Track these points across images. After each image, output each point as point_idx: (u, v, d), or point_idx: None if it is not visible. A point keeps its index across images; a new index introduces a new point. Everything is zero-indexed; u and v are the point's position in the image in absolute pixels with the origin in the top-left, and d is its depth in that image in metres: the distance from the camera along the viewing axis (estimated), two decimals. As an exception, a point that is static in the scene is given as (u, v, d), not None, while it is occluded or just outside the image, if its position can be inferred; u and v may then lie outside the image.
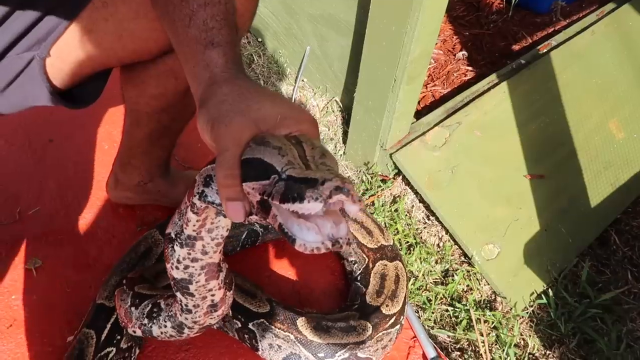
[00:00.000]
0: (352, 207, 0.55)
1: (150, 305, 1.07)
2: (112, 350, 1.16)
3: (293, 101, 2.02)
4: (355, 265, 1.45)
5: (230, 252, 1.45)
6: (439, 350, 1.35)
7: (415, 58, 1.44)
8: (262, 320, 1.21)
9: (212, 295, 0.90)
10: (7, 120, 1.71)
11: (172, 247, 0.82)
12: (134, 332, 1.15)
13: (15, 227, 1.48)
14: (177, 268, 0.84)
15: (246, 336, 1.23)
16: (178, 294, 0.91)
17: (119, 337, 1.17)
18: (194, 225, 0.77)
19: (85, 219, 1.52)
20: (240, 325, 1.23)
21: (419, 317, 1.49)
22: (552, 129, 1.92)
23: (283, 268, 1.45)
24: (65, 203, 1.55)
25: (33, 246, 1.44)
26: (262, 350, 1.22)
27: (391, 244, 1.44)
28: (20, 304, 1.33)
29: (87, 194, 1.57)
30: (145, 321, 1.07)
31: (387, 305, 1.30)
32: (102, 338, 1.15)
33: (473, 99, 1.91)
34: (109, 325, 1.16)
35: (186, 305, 0.92)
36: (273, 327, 1.20)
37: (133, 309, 1.10)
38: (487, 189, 1.76)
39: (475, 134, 1.83)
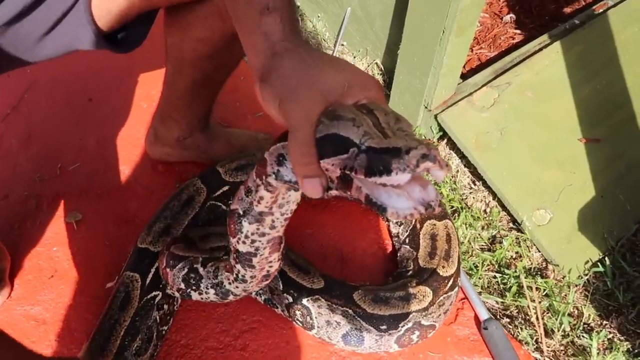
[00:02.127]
0: (440, 172, 0.53)
1: (186, 270, 1.06)
2: (159, 294, 1.15)
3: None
4: (402, 227, 1.39)
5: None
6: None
7: (466, 6, 1.36)
8: (317, 296, 1.15)
9: (270, 266, 0.91)
10: (48, 80, 1.72)
11: (240, 222, 0.82)
12: (173, 293, 1.13)
13: (56, 182, 1.48)
14: (244, 243, 0.85)
15: (298, 312, 1.18)
16: (238, 266, 0.91)
17: (164, 282, 1.15)
18: (267, 202, 0.78)
19: (124, 176, 1.50)
20: (292, 300, 1.18)
21: (471, 277, 1.41)
22: (608, 91, 1.80)
23: (324, 226, 1.40)
24: (104, 160, 1.53)
25: (73, 201, 1.44)
26: (319, 327, 1.17)
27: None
28: (61, 255, 1.33)
29: (126, 152, 1.56)
30: (182, 286, 1.06)
31: (443, 267, 1.24)
32: (148, 281, 1.13)
33: (523, 60, 1.80)
34: (153, 270, 1.14)
35: (243, 276, 0.93)
36: (330, 302, 1.15)
37: (168, 270, 1.09)
38: (539, 152, 1.66)
39: (526, 94, 1.73)
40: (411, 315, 1.15)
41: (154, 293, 1.14)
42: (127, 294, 1.11)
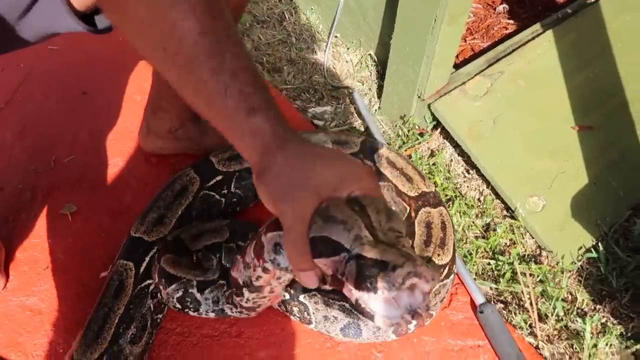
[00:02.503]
0: (426, 285, 0.56)
1: (181, 293, 1.12)
2: (153, 282, 1.15)
3: (326, 59, 1.96)
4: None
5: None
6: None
7: (457, -7, 1.36)
8: (313, 292, 1.16)
9: (271, 304, 1.04)
10: (42, 73, 1.72)
11: (242, 290, 0.91)
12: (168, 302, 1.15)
13: (51, 174, 1.48)
14: (247, 302, 0.96)
15: (295, 309, 1.19)
16: (244, 310, 1.03)
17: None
18: (265, 279, 0.85)
19: (118, 168, 1.51)
20: (288, 297, 1.18)
21: (465, 263, 1.42)
22: (601, 80, 1.80)
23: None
24: (98, 152, 1.54)
25: (68, 193, 1.44)
26: (317, 322, 1.18)
27: (433, 190, 1.37)
28: (56, 247, 1.33)
29: (119, 144, 1.56)
30: (179, 306, 1.15)
31: (438, 255, 1.24)
32: (142, 270, 1.14)
33: (516, 49, 1.81)
34: (147, 258, 1.15)
35: (247, 314, 1.06)
36: (326, 298, 1.15)
37: (161, 287, 1.13)
38: (532, 141, 1.67)
39: (519, 83, 1.73)
40: None
41: (148, 281, 1.15)
42: (120, 282, 1.11)
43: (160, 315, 1.19)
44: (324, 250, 0.64)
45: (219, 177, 1.32)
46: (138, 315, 1.11)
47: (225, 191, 1.34)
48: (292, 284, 1.16)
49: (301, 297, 1.17)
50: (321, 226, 0.64)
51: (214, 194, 1.32)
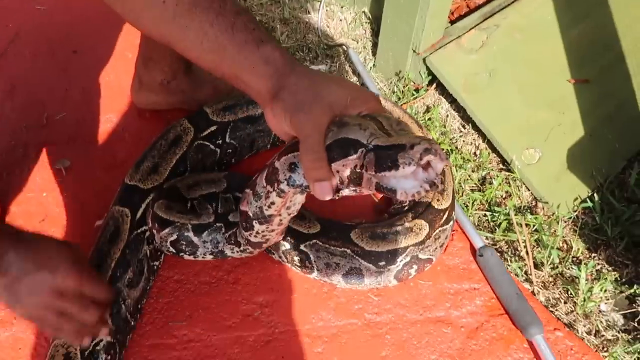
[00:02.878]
0: (439, 164, 0.61)
1: (175, 236, 1.12)
2: (148, 229, 1.15)
3: (319, 17, 1.94)
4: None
5: (260, 148, 1.41)
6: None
7: (451, -62, 1.34)
8: (314, 241, 1.15)
9: (276, 241, 1.03)
10: (31, 33, 1.70)
11: (251, 223, 0.92)
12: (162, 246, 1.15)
13: (43, 131, 1.47)
14: (255, 237, 0.97)
15: (296, 258, 1.18)
16: (248, 247, 1.04)
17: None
18: (277, 207, 0.87)
19: (112, 124, 1.49)
20: (289, 247, 1.18)
21: (463, 209, 1.42)
22: (598, 33, 1.79)
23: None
24: (91, 109, 1.52)
25: (61, 149, 1.43)
26: (319, 270, 1.18)
27: (431, 138, 1.37)
28: (51, 200, 1.33)
29: (112, 101, 1.54)
30: (172, 249, 1.15)
31: (437, 200, 1.24)
32: (137, 216, 1.14)
33: (512, 2, 1.78)
34: (144, 205, 1.14)
35: (251, 252, 1.07)
36: (327, 245, 1.15)
37: (155, 232, 1.13)
38: (528, 93, 1.66)
39: (514, 36, 1.72)
40: (408, 250, 1.16)
41: (144, 227, 1.15)
42: (116, 228, 1.11)
43: (156, 263, 1.19)
44: (342, 151, 0.68)
45: (214, 127, 1.31)
46: (134, 260, 1.11)
47: (220, 141, 1.33)
48: (292, 233, 1.16)
49: (302, 246, 1.16)
50: (337, 132, 0.69)
51: (208, 144, 1.31)
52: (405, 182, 0.63)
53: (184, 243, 1.12)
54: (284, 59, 0.76)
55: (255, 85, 0.77)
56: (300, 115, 0.71)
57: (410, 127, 0.73)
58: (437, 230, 1.21)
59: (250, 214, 0.91)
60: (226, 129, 1.33)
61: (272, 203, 0.86)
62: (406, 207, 1.26)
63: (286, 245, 1.18)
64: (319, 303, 1.18)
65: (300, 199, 0.88)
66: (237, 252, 1.09)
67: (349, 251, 1.15)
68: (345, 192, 0.73)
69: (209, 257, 1.14)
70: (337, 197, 0.75)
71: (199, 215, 1.13)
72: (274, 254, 1.22)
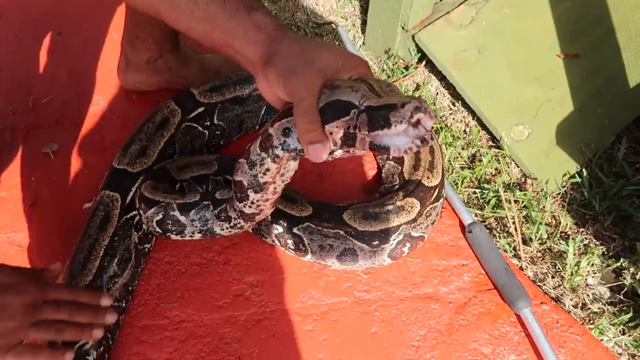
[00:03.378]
0: (429, 121, 0.64)
1: (160, 216, 1.12)
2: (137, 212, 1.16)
3: (308, -5, 1.92)
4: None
5: (249, 129, 1.41)
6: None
7: None
8: (307, 223, 1.15)
9: (267, 215, 1.03)
10: (14, 16, 1.67)
11: (246, 192, 0.93)
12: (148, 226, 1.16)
13: (30, 114, 1.46)
14: (250, 207, 0.97)
15: (290, 242, 1.19)
16: (241, 220, 1.04)
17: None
18: (272, 173, 0.88)
19: (99, 106, 1.48)
20: (281, 230, 1.18)
21: (453, 187, 1.43)
22: (587, 6, 1.77)
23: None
24: (78, 92, 1.51)
25: (49, 132, 1.42)
26: (313, 252, 1.18)
27: (420, 97, 1.36)
28: (40, 184, 1.33)
29: (99, 83, 1.53)
30: (158, 229, 1.14)
31: (427, 178, 1.24)
32: (127, 201, 1.14)
33: (502, -23, 1.76)
34: (133, 189, 1.14)
35: (241, 227, 1.06)
36: (320, 227, 1.15)
37: (141, 211, 1.13)
38: (517, 69, 1.65)
39: (504, 11, 1.70)
40: (401, 228, 1.17)
41: (133, 212, 1.15)
42: (107, 214, 1.11)
43: (147, 245, 1.20)
44: (335, 112, 0.70)
45: (201, 109, 1.30)
46: (124, 245, 1.11)
47: (209, 123, 1.32)
48: (284, 216, 1.16)
49: (295, 230, 1.16)
50: (329, 94, 0.71)
51: (196, 125, 1.31)
52: (398, 139, 0.66)
53: (170, 222, 1.12)
54: (275, 25, 0.78)
55: (247, 52, 0.78)
56: (293, 79, 0.73)
57: (398, 89, 0.74)
58: (428, 208, 1.21)
59: (245, 183, 0.92)
60: (214, 110, 1.32)
61: (267, 170, 0.87)
62: (397, 186, 1.27)
63: (279, 229, 1.18)
64: (309, 282, 1.19)
65: (293, 165, 0.90)
66: (227, 228, 1.09)
67: (342, 232, 1.15)
68: (338, 153, 0.76)
69: (198, 236, 1.13)
70: (330, 159, 0.77)
71: (184, 194, 1.13)
72: (266, 237, 1.23)
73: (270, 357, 1.10)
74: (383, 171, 1.37)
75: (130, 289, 1.14)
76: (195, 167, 1.24)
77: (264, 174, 0.88)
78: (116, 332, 1.09)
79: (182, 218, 1.10)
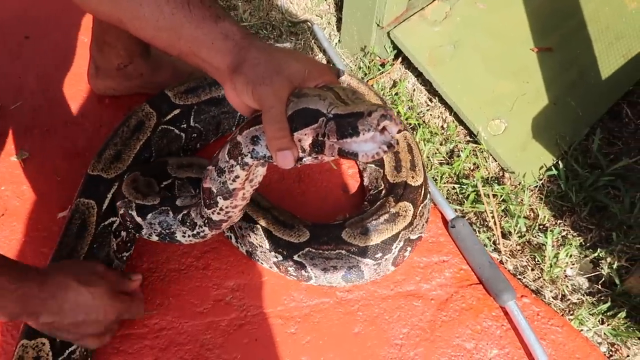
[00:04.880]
0: (395, 128, 0.66)
1: (123, 210, 1.11)
2: (116, 220, 1.13)
3: (283, -7, 1.90)
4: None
5: (226, 130, 1.39)
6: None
7: None
8: (307, 249, 1.13)
9: (234, 221, 1.01)
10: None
11: (215, 199, 0.93)
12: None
13: (-2, 122, 1.41)
14: (218, 214, 0.96)
15: (291, 269, 1.16)
16: (205, 228, 1.02)
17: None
18: (241, 180, 0.88)
19: (71, 112, 1.45)
20: (282, 258, 1.15)
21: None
22: (559, 0, 1.80)
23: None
24: (47, 97, 1.47)
25: (19, 139, 1.38)
26: (317, 277, 1.15)
27: (385, 105, 1.36)
28: (10, 194, 1.29)
29: (70, 88, 1.49)
30: (126, 223, 1.13)
31: (412, 177, 1.24)
32: (104, 207, 1.11)
33: (475, -28, 1.77)
34: (109, 195, 1.12)
35: (204, 235, 1.04)
36: (321, 251, 1.12)
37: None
38: (492, 64, 1.66)
39: (478, 6, 1.71)
40: (400, 235, 1.16)
41: (111, 219, 1.12)
42: (83, 221, 1.08)
43: (126, 254, 1.17)
44: (303, 120, 0.72)
45: (177, 111, 1.28)
46: (102, 253, 1.09)
47: (185, 125, 1.30)
48: (282, 244, 1.13)
49: (295, 257, 1.13)
50: (297, 102, 0.73)
51: (173, 128, 1.28)
52: (365, 145, 0.68)
53: (129, 220, 1.10)
54: (242, 34, 0.78)
55: (214, 61, 0.78)
56: (262, 87, 0.74)
57: (364, 96, 0.77)
58: (420, 208, 1.21)
59: (214, 190, 0.92)
60: (190, 112, 1.30)
61: (237, 177, 0.88)
62: (383, 191, 1.25)
63: (278, 257, 1.15)
64: (291, 284, 1.18)
65: (261, 171, 0.91)
66: (189, 236, 1.06)
67: (344, 252, 1.13)
68: (307, 160, 0.77)
69: (155, 238, 1.10)
70: (298, 165, 0.78)
71: (146, 195, 1.10)
72: (263, 263, 1.20)
73: (253, 361, 1.08)
74: (365, 176, 1.36)
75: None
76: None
77: (233, 180, 0.89)
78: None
79: (138, 219, 1.08)
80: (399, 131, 0.69)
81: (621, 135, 1.70)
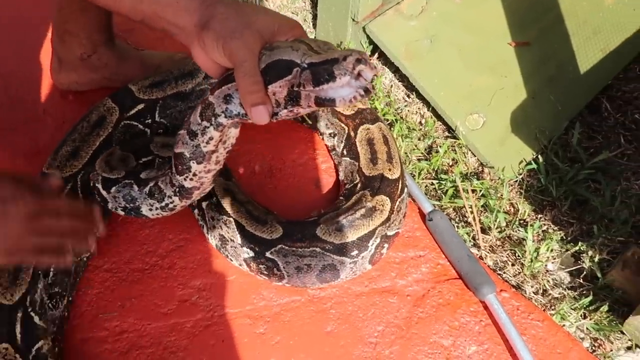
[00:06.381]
0: (370, 73, 0.66)
1: (92, 183, 1.09)
2: None
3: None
4: (336, 138, 1.34)
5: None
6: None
7: None
8: (280, 245, 1.07)
9: (205, 190, 0.99)
10: None
11: (188, 164, 0.91)
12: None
13: (-45, 120, 1.35)
14: (191, 180, 0.94)
15: (262, 266, 1.10)
16: (175, 198, 0.99)
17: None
18: (215, 142, 0.87)
19: (33, 109, 1.40)
20: (253, 254, 1.09)
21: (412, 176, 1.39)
22: (536, -5, 1.78)
23: (251, 142, 1.34)
24: (8, 94, 1.42)
25: (-24, 138, 1.32)
26: (290, 276, 1.09)
27: (369, 106, 1.32)
28: (-35, 194, 1.22)
29: (33, 85, 1.44)
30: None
31: (389, 170, 1.20)
32: None
33: (450, -33, 1.75)
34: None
35: (174, 207, 1.01)
36: (294, 248, 1.07)
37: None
38: (470, 58, 1.64)
39: (454, 1, 1.69)
40: (377, 231, 1.11)
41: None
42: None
43: (85, 256, 1.11)
44: (277, 72, 0.71)
45: (141, 106, 1.23)
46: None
47: (150, 121, 1.25)
48: (254, 240, 1.08)
49: (267, 254, 1.08)
50: (270, 55, 0.72)
51: (136, 123, 1.23)
52: (342, 90, 0.68)
53: (96, 193, 1.07)
54: None
55: (180, 21, 0.75)
56: (233, 41, 0.72)
57: (336, 48, 0.75)
58: (397, 202, 1.16)
59: (187, 155, 0.90)
60: (155, 107, 1.25)
61: (211, 138, 0.86)
62: (358, 184, 1.21)
63: (249, 253, 1.09)
64: (260, 282, 1.13)
65: (234, 132, 0.89)
66: (157, 209, 1.02)
67: (318, 249, 1.07)
68: (283, 113, 0.75)
69: (120, 212, 1.06)
70: (274, 121, 0.76)
71: (112, 168, 1.07)
72: (232, 260, 1.14)
73: (219, 364, 1.03)
74: (340, 170, 1.32)
75: (69, 299, 1.06)
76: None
77: (207, 143, 0.87)
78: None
79: (104, 192, 1.05)
80: (375, 76, 0.68)
81: (601, 129, 1.68)
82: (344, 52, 0.67)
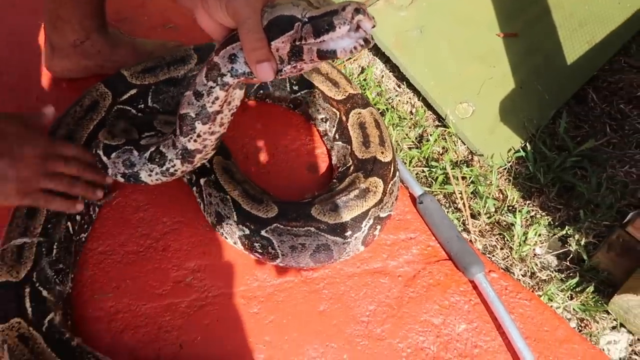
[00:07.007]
0: (368, 24, 0.68)
1: (94, 150, 1.11)
2: None
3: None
4: (328, 123, 1.36)
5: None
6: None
7: None
8: (275, 224, 1.08)
9: (208, 154, 1.00)
10: None
11: (193, 124, 0.93)
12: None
13: (-53, 107, 1.35)
14: (195, 141, 0.95)
15: (257, 245, 1.10)
16: (177, 161, 1.00)
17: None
18: (221, 102, 0.89)
19: (26, 97, 1.39)
20: (248, 232, 1.10)
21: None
22: (524, -13, 1.82)
23: (244, 127, 1.36)
24: (2, 82, 1.41)
25: (-31, 124, 1.31)
26: (284, 255, 1.10)
27: (360, 92, 1.34)
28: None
29: (24, 71, 1.43)
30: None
31: (382, 152, 1.21)
32: None
33: (440, -41, 1.78)
34: None
35: (175, 171, 1.02)
36: (289, 227, 1.08)
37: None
38: (459, 48, 1.66)
39: (443, -8, 1.72)
40: (370, 212, 1.12)
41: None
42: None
43: (84, 235, 1.12)
44: (279, 28, 0.74)
45: (133, 91, 1.24)
46: (58, 235, 1.04)
47: (142, 106, 1.26)
48: (250, 218, 1.09)
49: (263, 232, 1.09)
50: (271, 12, 0.74)
51: (130, 108, 1.24)
52: (342, 41, 0.70)
53: (97, 160, 1.09)
54: None
55: None
56: (236, 1, 0.74)
57: (335, 2, 0.77)
58: (390, 185, 1.18)
59: (192, 115, 0.92)
60: (147, 92, 1.26)
61: (216, 98, 0.88)
62: (351, 167, 1.22)
63: (245, 230, 1.10)
64: (254, 264, 1.14)
65: (239, 94, 0.91)
66: (157, 174, 1.03)
67: (313, 229, 1.08)
68: (286, 70, 0.78)
69: (120, 179, 1.08)
70: (278, 77, 0.78)
71: (114, 135, 1.09)
72: (227, 238, 1.15)
73: (214, 342, 1.04)
74: (333, 154, 1.33)
75: (72, 276, 1.08)
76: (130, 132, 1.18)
77: (213, 103, 0.89)
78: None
79: (104, 158, 1.07)
80: (373, 26, 0.69)
81: (587, 118, 1.72)
82: (343, 4, 0.69)
